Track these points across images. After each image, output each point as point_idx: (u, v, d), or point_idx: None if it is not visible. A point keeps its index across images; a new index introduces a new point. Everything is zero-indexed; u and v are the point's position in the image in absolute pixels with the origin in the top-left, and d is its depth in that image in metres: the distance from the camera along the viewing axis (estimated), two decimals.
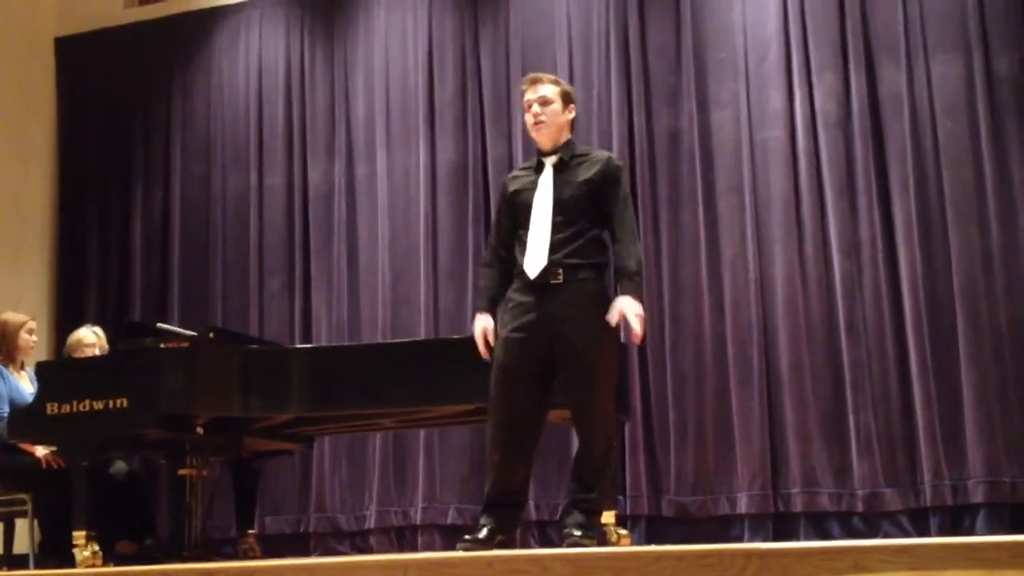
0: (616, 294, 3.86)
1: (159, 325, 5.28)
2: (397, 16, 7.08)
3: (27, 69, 7.74)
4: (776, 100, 6.09)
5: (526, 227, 3.92)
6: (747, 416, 5.87)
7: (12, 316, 5.44)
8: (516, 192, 4.03)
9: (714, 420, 5.98)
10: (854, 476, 5.66)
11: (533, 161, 4.09)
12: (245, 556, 5.35)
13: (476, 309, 4.04)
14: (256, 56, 7.42)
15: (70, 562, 4.51)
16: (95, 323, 5.98)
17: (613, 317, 3.80)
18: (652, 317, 6.17)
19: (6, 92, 7.58)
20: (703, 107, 6.26)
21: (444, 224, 6.71)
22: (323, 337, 6.87)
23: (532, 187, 3.98)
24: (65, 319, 7.35)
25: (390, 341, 6.40)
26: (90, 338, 5.59)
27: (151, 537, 5.49)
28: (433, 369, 4.68)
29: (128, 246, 7.54)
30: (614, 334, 3.91)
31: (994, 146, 5.63)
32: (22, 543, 5.48)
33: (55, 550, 4.98)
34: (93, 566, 4.42)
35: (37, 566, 5.14)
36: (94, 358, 5.34)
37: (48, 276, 7.66)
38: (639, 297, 3.83)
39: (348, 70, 7.18)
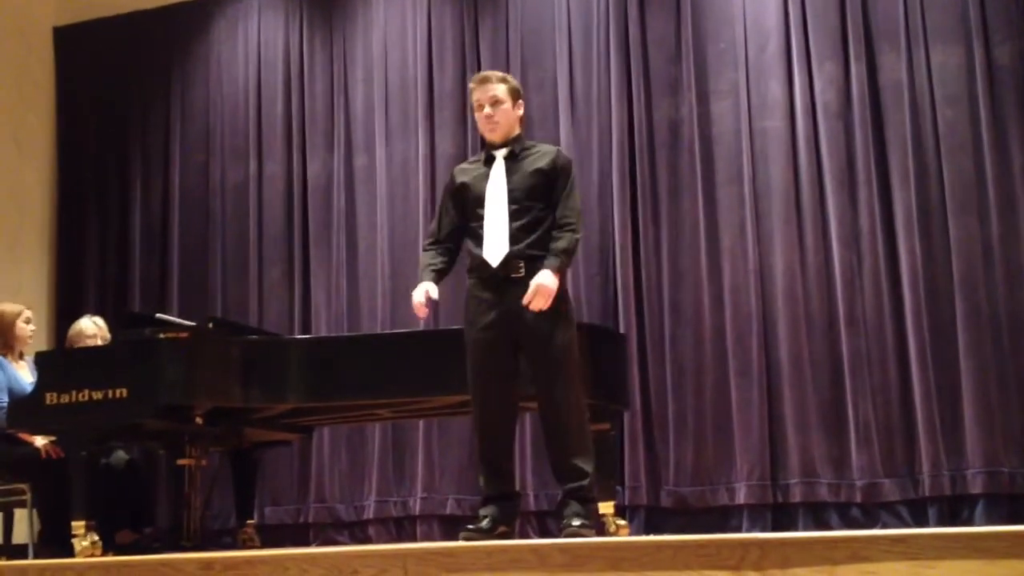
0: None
1: (158, 315, 5.28)
2: (396, 7, 7.07)
3: (25, 59, 7.72)
4: (776, 90, 6.09)
5: (479, 219, 3.97)
6: (746, 406, 5.87)
7: (8, 306, 5.45)
8: (465, 184, 4.07)
9: (713, 410, 5.98)
10: (853, 467, 5.66)
11: (481, 155, 4.14)
12: (244, 546, 5.35)
13: (422, 278, 4.03)
14: (255, 46, 7.41)
15: (69, 552, 4.52)
16: (95, 313, 5.98)
17: (529, 295, 3.79)
18: (651, 307, 6.18)
19: (4, 82, 7.56)
20: (703, 97, 6.25)
21: None
22: (322, 328, 6.87)
23: (483, 179, 4.03)
24: (64, 310, 7.35)
25: (389, 332, 6.40)
26: (91, 328, 5.59)
27: (150, 527, 5.50)
28: (432, 360, 4.68)
29: (127, 236, 7.53)
30: (571, 319, 3.96)
31: (994, 136, 5.62)
32: (21, 533, 5.48)
33: (54, 540, 4.98)
34: (92, 556, 4.42)
35: (36, 556, 5.15)
36: (93, 348, 5.34)
37: (47, 267, 7.66)
38: (559, 274, 3.86)
39: (347, 61, 7.17)
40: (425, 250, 4.17)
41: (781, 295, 5.92)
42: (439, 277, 4.06)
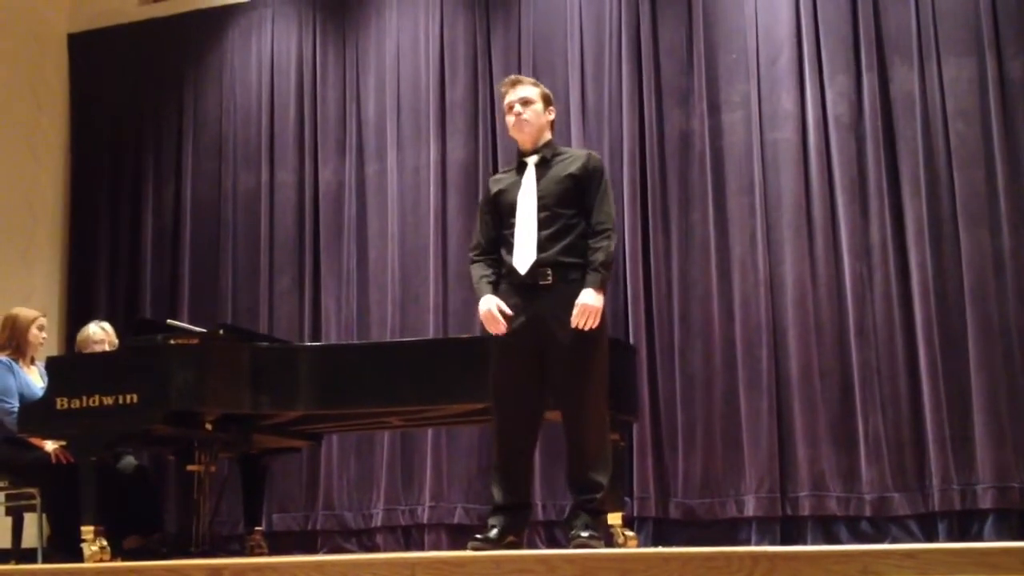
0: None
1: (169, 321, 5.30)
2: (409, 15, 7.09)
3: (40, 65, 7.76)
4: (787, 101, 6.08)
5: (511, 227, 3.96)
6: (755, 418, 5.85)
7: (23, 312, 5.46)
8: (500, 192, 4.07)
9: (722, 422, 5.97)
10: (862, 480, 5.65)
11: (514, 163, 4.15)
12: (252, 553, 5.36)
13: (480, 294, 4.01)
14: (268, 54, 7.44)
15: (78, 557, 4.53)
16: (105, 319, 6.00)
17: (575, 316, 3.81)
18: (661, 318, 6.18)
19: (19, 88, 7.60)
20: (714, 108, 6.26)
21: (454, 223, 6.72)
22: (332, 335, 6.88)
23: (515, 186, 4.02)
24: (76, 315, 7.37)
25: (399, 340, 6.41)
26: (99, 334, 5.61)
27: (159, 532, 5.50)
28: (441, 368, 4.69)
29: (139, 242, 7.56)
30: (604, 333, 3.93)
31: (1006, 149, 5.61)
32: (31, 537, 5.49)
33: (63, 544, 5.00)
34: (101, 561, 4.43)
35: (45, 560, 5.16)
36: (104, 353, 5.36)
37: (59, 272, 7.69)
38: (602, 290, 3.86)
39: (359, 68, 7.19)
40: (473, 262, 4.11)
41: (791, 306, 5.91)
42: (495, 288, 4.00)
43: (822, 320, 5.86)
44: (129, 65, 7.78)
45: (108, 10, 7.91)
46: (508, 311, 3.89)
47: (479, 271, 4.06)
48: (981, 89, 5.72)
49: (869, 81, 5.92)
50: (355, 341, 6.67)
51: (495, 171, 6.64)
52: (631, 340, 6.05)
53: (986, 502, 5.37)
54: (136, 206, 7.63)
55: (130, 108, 7.76)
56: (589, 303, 3.82)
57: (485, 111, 6.79)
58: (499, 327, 3.89)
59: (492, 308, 3.90)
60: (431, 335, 6.50)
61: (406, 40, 7.08)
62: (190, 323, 5.73)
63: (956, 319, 5.61)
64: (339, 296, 6.96)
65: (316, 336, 6.94)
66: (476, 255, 4.12)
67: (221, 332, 5.04)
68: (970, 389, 5.51)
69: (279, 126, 7.33)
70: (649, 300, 6.20)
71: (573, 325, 3.81)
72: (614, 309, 6.25)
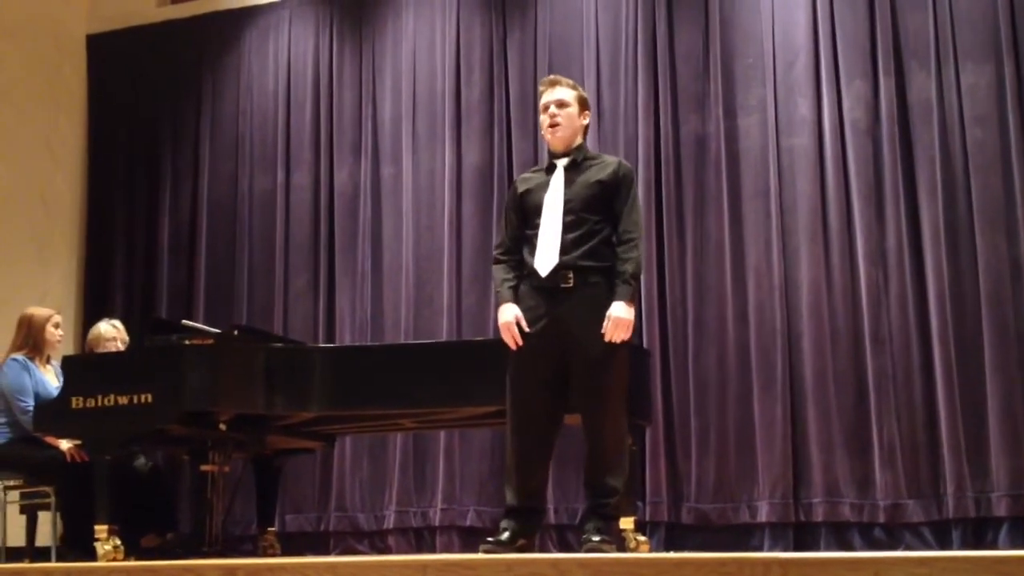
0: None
1: (184, 322, 5.32)
2: (425, 18, 7.10)
3: (58, 66, 7.81)
4: (804, 107, 6.07)
5: (536, 227, 3.94)
6: (769, 424, 5.84)
7: (38, 311, 5.49)
8: (527, 192, 4.04)
9: (736, 427, 5.95)
10: (876, 486, 5.62)
11: (544, 163, 4.12)
12: (265, 553, 5.37)
13: (501, 300, 3.98)
14: (285, 56, 7.46)
15: (92, 555, 4.55)
16: (121, 319, 6.03)
17: (608, 330, 3.80)
18: (675, 322, 6.17)
19: (37, 89, 7.65)
20: (730, 113, 6.24)
21: (468, 226, 6.72)
22: (346, 337, 6.89)
23: (543, 187, 3.99)
24: (91, 315, 7.39)
25: (413, 342, 6.41)
26: (110, 332, 5.63)
27: (172, 532, 5.52)
28: (455, 371, 4.69)
29: (155, 243, 7.59)
30: (626, 344, 3.91)
31: (1023, 154, 5.58)
32: (45, 535, 5.52)
33: (77, 543, 5.02)
34: (114, 560, 4.45)
35: (59, 559, 5.18)
36: (119, 353, 5.39)
37: (75, 272, 7.72)
38: (632, 301, 3.85)
39: (376, 71, 7.21)
40: (496, 262, 4.09)
41: (806, 311, 5.90)
42: (516, 294, 3.95)
43: (837, 325, 5.84)
44: (147, 66, 7.82)
45: (126, 12, 7.95)
46: (526, 327, 3.86)
47: (501, 274, 4.02)
48: (999, 95, 5.69)
49: (886, 86, 5.90)
50: (369, 343, 6.68)
51: (510, 174, 6.67)
52: (645, 344, 6.04)
53: (1001, 510, 5.34)
54: (152, 207, 7.66)
55: (147, 109, 7.80)
56: (621, 316, 3.80)
57: (501, 114, 6.79)
58: (514, 341, 3.87)
59: (511, 321, 3.88)
60: (444, 337, 6.51)
61: (422, 43, 7.09)
62: (205, 323, 5.75)
63: (972, 325, 5.58)
64: (354, 298, 6.97)
65: (330, 337, 6.95)
66: (500, 254, 4.08)
67: (236, 333, 5.06)
68: (986, 396, 5.48)
69: (295, 128, 7.36)
70: (663, 304, 6.19)
71: (607, 339, 3.79)
72: None
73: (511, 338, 3.88)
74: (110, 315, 6.50)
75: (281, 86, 7.43)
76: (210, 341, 4.77)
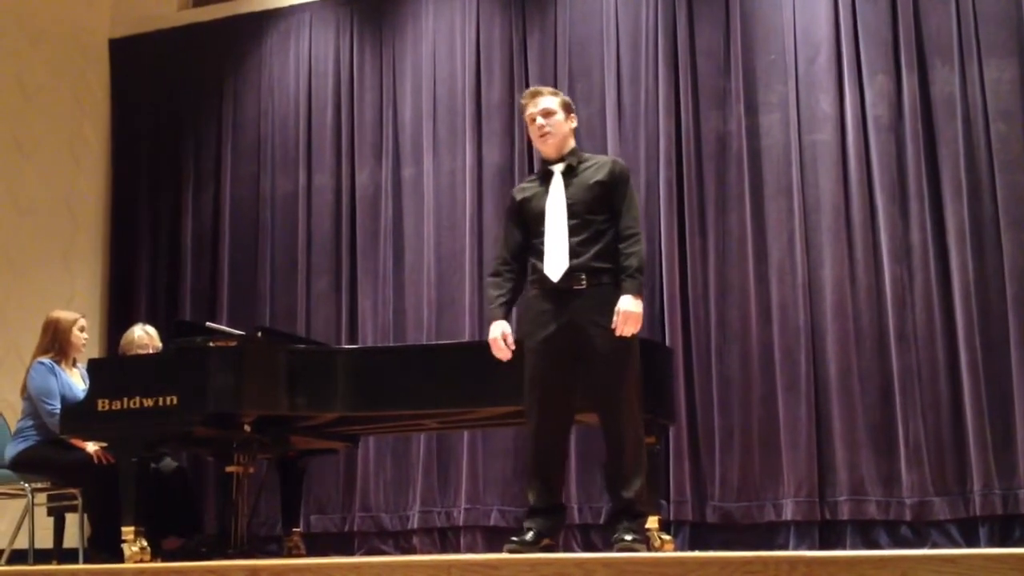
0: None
1: (208, 324, 5.34)
2: (445, 19, 7.11)
3: (81, 70, 7.86)
4: (826, 103, 6.04)
5: (540, 234, 3.98)
6: (794, 422, 5.81)
7: (64, 314, 5.52)
8: (526, 200, 4.09)
9: (760, 426, 5.93)
10: (902, 484, 5.59)
11: (538, 172, 4.16)
12: (290, 554, 5.39)
13: (492, 316, 4.09)
14: (306, 58, 7.49)
15: (119, 557, 4.57)
16: (146, 322, 6.06)
17: (618, 324, 3.83)
18: (698, 321, 6.15)
19: (60, 93, 7.70)
20: (751, 109, 6.22)
21: (489, 226, 6.72)
22: (369, 338, 6.91)
23: (542, 195, 4.04)
24: (116, 318, 7.46)
25: (435, 343, 6.42)
26: (143, 338, 5.66)
27: (198, 533, 5.55)
28: (477, 371, 4.69)
29: (179, 246, 7.63)
30: (635, 336, 3.95)
31: None
32: (72, 537, 5.56)
33: (104, 545, 5.05)
34: (141, 561, 4.47)
35: (87, 560, 5.22)
36: (144, 356, 5.41)
37: (100, 275, 7.77)
38: (639, 295, 3.89)
39: (396, 72, 7.22)
40: (492, 276, 4.15)
41: (830, 310, 5.87)
42: (508, 310, 4.07)
43: (861, 324, 5.81)
44: (169, 70, 7.86)
45: (149, 16, 8.00)
46: (511, 346, 3.98)
47: (493, 290, 4.10)
48: (1023, 90, 5.65)
49: (909, 82, 5.86)
50: (391, 343, 6.70)
51: (531, 173, 6.66)
52: (668, 343, 6.03)
53: None
54: (176, 209, 7.70)
55: (170, 112, 7.84)
56: (631, 310, 3.85)
57: (521, 115, 6.78)
58: (504, 355, 3.99)
59: (498, 337, 3.99)
60: (467, 338, 6.52)
61: (442, 44, 7.10)
62: (229, 325, 5.77)
63: (997, 322, 5.54)
64: (376, 299, 6.99)
65: (353, 338, 6.97)
66: (497, 266, 4.15)
67: (259, 334, 5.07)
68: (1012, 392, 5.44)
69: (316, 130, 7.38)
70: (686, 303, 6.18)
71: (618, 334, 3.83)
72: (651, 312, 6.22)
73: (500, 352, 3.99)
74: (135, 318, 6.55)
75: (302, 88, 7.46)
76: (234, 343, 4.79)
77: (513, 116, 6.81)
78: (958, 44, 5.80)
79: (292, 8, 7.61)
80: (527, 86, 6.76)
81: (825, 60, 6.07)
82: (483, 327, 6.60)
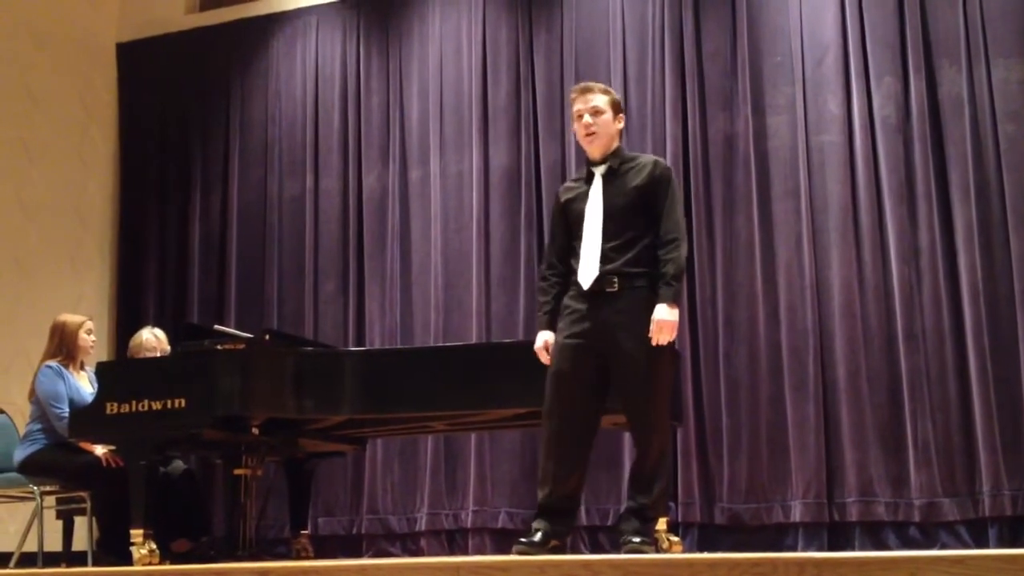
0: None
1: (216, 327, 5.35)
2: (452, 22, 7.12)
3: (89, 74, 7.89)
4: (833, 104, 6.03)
5: (579, 237, 3.93)
6: (802, 423, 5.81)
7: (71, 317, 5.53)
8: (569, 202, 4.03)
9: (768, 427, 5.92)
10: (911, 485, 5.58)
11: (583, 172, 4.09)
12: (298, 556, 5.40)
13: (538, 325, 4.04)
14: (313, 62, 7.50)
15: (127, 560, 4.58)
16: (154, 325, 6.06)
17: (652, 332, 3.78)
18: (706, 322, 6.15)
19: (68, 97, 7.73)
20: (758, 111, 6.22)
21: (496, 229, 6.73)
22: (376, 340, 6.92)
23: (583, 197, 3.98)
24: (124, 321, 7.48)
25: (442, 345, 6.43)
26: (152, 341, 5.66)
27: (206, 536, 5.55)
28: (484, 373, 4.70)
29: (186, 249, 7.65)
30: (671, 343, 3.89)
31: None
32: (81, 540, 5.57)
33: (113, 547, 5.06)
34: (150, 564, 4.48)
35: (95, 563, 5.22)
36: (153, 359, 5.42)
37: (108, 278, 7.79)
38: (675, 303, 3.81)
39: (403, 75, 7.23)
40: (540, 280, 4.11)
41: (838, 311, 5.86)
42: (552, 319, 3.98)
43: (870, 325, 5.81)
44: (176, 74, 7.89)
45: (155, 19, 8.02)
46: (549, 356, 3.93)
47: (541, 297, 4.07)
48: None
49: (916, 83, 5.85)
50: (399, 346, 6.70)
51: (538, 176, 6.68)
52: (676, 344, 6.01)
53: None
54: (183, 213, 7.73)
55: (177, 116, 7.86)
56: (665, 319, 3.77)
57: (528, 116, 6.80)
58: (545, 360, 3.95)
59: (541, 347, 3.96)
60: (474, 340, 6.52)
61: (449, 46, 7.10)
62: (237, 328, 5.78)
63: (1006, 323, 5.53)
64: (383, 301, 7.00)
65: (360, 341, 6.98)
66: (542, 272, 4.12)
67: (267, 337, 5.08)
68: (1021, 392, 5.43)
69: (323, 133, 7.39)
70: (693, 304, 6.17)
71: (653, 343, 3.77)
72: None
73: (544, 359, 3.96)
74: (143, 321, 6.56)
75: (309, 91, 7.48)
76: (242, 346, 4.80)
77: (520, 118, 6.82)
78: (965, 45, 5.79)
79: (299, 11, 7.63)
80: (533, 88, 6.79)
81: (832, 61, 6.07)
82: (490, 328, 6.62)
